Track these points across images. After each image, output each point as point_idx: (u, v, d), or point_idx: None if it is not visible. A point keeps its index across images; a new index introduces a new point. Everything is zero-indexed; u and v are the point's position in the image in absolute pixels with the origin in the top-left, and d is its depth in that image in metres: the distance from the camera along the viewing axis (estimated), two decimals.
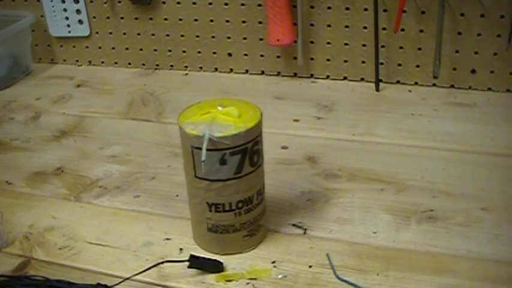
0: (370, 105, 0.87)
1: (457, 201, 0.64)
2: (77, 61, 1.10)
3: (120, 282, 0.55)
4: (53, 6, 1.06)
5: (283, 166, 0.73)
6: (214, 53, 1.01)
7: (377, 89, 0.91)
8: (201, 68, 1.03)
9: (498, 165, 0.70)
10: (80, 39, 1.08)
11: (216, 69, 1.02)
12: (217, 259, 0.57)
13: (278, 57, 0.98)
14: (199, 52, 1.02)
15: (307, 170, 0.72)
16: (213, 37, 1.00)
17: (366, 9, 0.89)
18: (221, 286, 0.55)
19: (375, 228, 0.61)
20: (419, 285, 0.53)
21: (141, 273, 0.55)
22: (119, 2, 1.02)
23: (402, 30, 0.89)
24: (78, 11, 1.05)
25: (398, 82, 0.93)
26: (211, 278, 0.55)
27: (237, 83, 0.98)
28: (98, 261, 0.59)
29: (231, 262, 0.57)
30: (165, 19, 1.01)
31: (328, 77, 0.96)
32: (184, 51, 1.03)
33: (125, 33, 1.05)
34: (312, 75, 0.97)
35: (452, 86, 0.90)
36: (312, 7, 0.92)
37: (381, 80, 0.92)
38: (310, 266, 0.56)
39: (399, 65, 0.92)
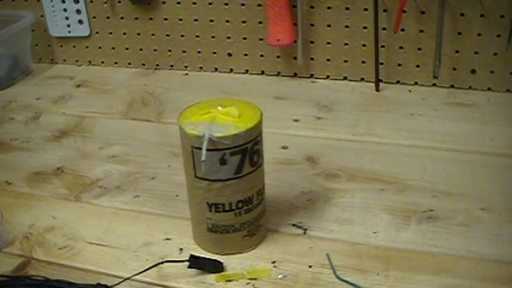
0: (370, 105, 0.87)
1: (457, 201, 0.64)
2: (77, 61, 1.10)
3: (120, 282, 0.55)
4: (53, 6, 1.06)
5: (283, 166, 0.73)
6: (214, 53, 1.01)
7: (377, 89, 0.91)
8: (201, 68, 1.03)
9: (498, 165, 0.70)
10: (80, 39, 1.08)
11: (216, 69, 1.02)
12: (217, 259, 0.57)
13: (278, 57, 0.98)
14: (199, 52, 1.02)
15: (307, 170, 0.72)
16: (213, 37, 1.00)
17: (366, 9, 0.89)
18: (221, 286, 0.55)
19: (375, 228, 0.61)
20: (419, 285, 0.53)
21: (141, 273, 0.55)
22: (119, 2, 1.02)
23: (402, 30, 0.89)
24: (78, 11, 1.05)
25: (398, 82, 0.93)
26: (211, 278, 0.55)
27: (237, 83, 0.98)
28: (98, 261, 0.59)
29: (231, 262, 0.57)
30: (165, 19, 1.01)
31: (328, 77, 0.96)
32: (184, 51, 1.03)
33: (124, 33, 1.05)
34: (312, 75, 0.97)
35: (452, 86, 0.90)
36: (312, 7, 0.92)
37: (381, 80, 0.92)
38: (310, 266, 0.56)
39: (399, 65, 0.92)
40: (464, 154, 0.73)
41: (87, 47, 1.08)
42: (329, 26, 0.92)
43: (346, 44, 0.93)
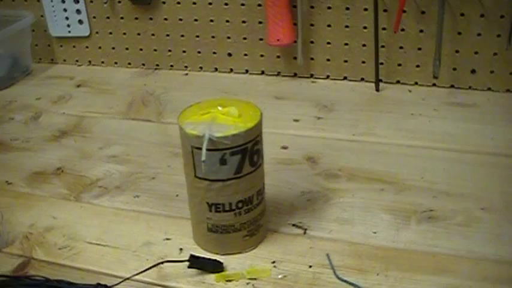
0: (370, 105, 0.87)
1: (457, 201, 0.64)
2: (77, 61, 1.10)
3: (120, 282, 0.55)
4: (53, 6, 1.06)
5: (283, 166, 0.73)
6: (214, 53, 1.01)
7: (377, 89, 0.91)
8: (201, 68, 1.03)
9: (498, 165, 0.70)
10: (80, 39, 1.08)
11: (216, 69, 1.02)
12: (217, 259, 0.57)
13: (278, 57, 0.98)
14: (199, 52, 1.02)
15: (307, 170, 0.72)
16: (213, 37, 1.00)
17: (366, 9, 0.89)
18: (221, 286, 0.55)
19: (375, 228, 0.61)
20: (419, 285, 0.53)
21: (141, 273, 0.55)
22: (119, 2, 1.02)
23: (402, 30, 0.89)
24: (78, 11, 1.05)
25: (398, 82, 0.93)
26: (211, 278, 0.55)
27: (237, 83, 0.98)
28: (98, 261, 0.59)
29: (231, 262, 0.57)
30: (165, 19, 1.01)
31: (328, 77, 0.96)
32: (184, 51, 1.03)
33: (124, 33, 1.05)
34: (312, 75, 0.97)
35: (452, 86, 0.90)
36: (312, 7, 0.92)
37: (381, 80, 0.92)
38: (310, 266, 0.56)
39: (399, 65, 0.92)
40: (464, 154, 0.73)
41: (87, 47, 1.08)
42: (329, 26, 0.92)
43: (346, 44, 0.93)
